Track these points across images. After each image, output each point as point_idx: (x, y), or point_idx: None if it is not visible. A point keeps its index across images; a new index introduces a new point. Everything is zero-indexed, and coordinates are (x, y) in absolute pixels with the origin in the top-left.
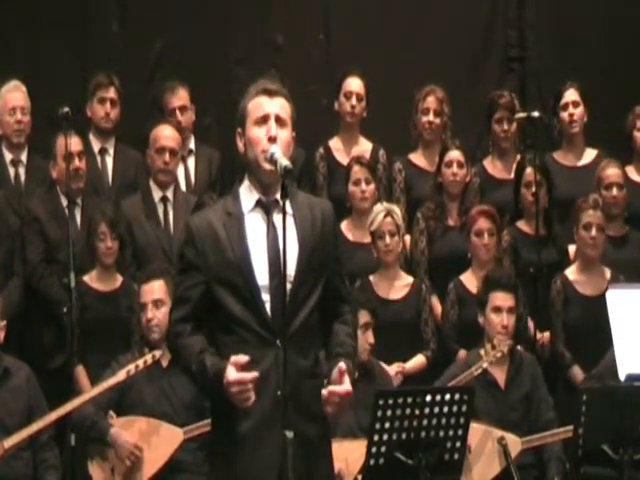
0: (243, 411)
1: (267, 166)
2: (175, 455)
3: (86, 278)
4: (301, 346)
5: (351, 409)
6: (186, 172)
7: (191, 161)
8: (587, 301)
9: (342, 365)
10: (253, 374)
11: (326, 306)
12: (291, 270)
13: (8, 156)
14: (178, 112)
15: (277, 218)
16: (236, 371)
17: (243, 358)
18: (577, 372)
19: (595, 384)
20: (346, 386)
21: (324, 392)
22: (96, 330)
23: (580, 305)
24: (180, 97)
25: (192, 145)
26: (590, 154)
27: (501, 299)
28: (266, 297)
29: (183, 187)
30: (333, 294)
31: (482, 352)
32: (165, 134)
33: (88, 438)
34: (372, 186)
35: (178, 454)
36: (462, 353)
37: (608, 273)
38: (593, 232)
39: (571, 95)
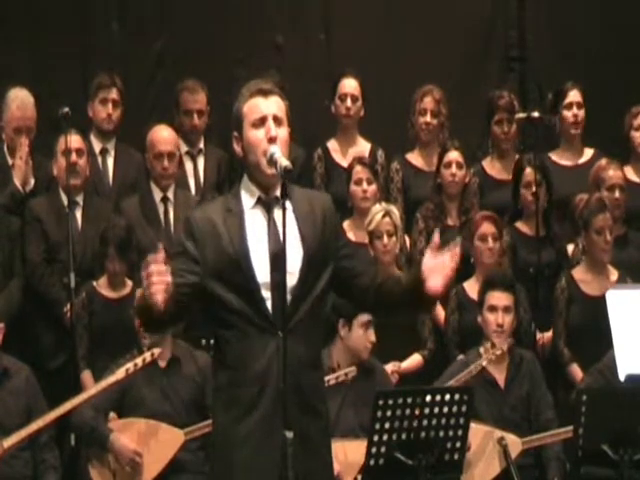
0: (244, 408)
1: (269, 170)
2: (176, 456)
3: (96, 284)
4: (303, 336)
5: (351, 408)
6: (195, 172)
7: (200, 161)
8: (591, 301)
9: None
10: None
11: (357, 283)
12: (295, 266)
13: (10, 160)
14: (196, 115)
15: (278, 214)
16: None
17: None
18: (576, 370)
19: (594, 379)
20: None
21: (426, 264)
22: (105, 336)
23: (584, 305)
24: (199, 100)
25: (201, 145)
26: (587, 153)
27: (497, 298)
28: (267, 294)
29: (192, 187)
30: (353, 272)
31: (481, 350)
32: (162, 138)
33: (88, 443)
34: (373, 186)
35: (179, 454)
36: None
37: (615, 274)
38: (608, 236)
39: (575, 96)
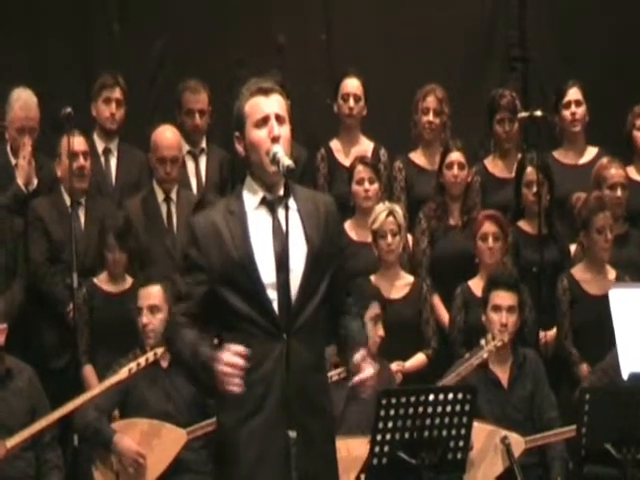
0: (247, 411)
1: (272, 168)
2: (179, 456)
3: (96, 280)
4: (307, 340)
5: (356, 404)
6: (197, 171)
7: (202, 160)
8: (593, 300)
9: (362, 352)
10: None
11: (333, 298)
12: (300, 265)
13: (13, 159)
14: (197, 115)
15: (282, 214)
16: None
17: (242, 349)
18: (585, 370)
19: (598, 378)
20: (368, 370)
21: (353, 383)
22: (106, 331)
23: (586, 304)
24: (201, 100)
25: (204, 144)
26: (591, 152)
27: (500, 298)
28: (272, 294)
29: (194, 186)
30: (339, 286)
31: (482, 342)
32: (166, 142)
33: (92, 444)
34: (375, 185)
35: (182, 453)
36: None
37: (612, 273)
38: (609, 235)
39: (574, 94)
